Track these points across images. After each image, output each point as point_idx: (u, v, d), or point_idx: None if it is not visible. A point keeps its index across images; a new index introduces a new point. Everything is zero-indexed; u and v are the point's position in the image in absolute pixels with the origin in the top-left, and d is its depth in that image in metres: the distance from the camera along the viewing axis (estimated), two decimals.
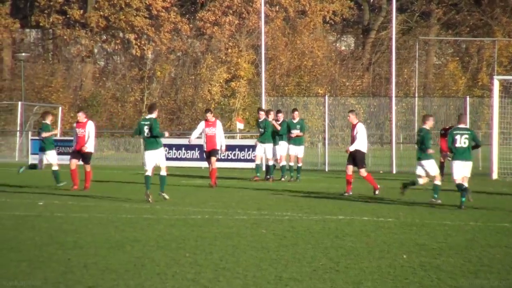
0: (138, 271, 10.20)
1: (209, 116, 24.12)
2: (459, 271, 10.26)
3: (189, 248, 11.97)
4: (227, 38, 58.90)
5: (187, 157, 36.23)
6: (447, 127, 26.99)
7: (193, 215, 16.24)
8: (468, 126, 19.23)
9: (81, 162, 22.79)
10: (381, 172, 32.59)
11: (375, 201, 19.30)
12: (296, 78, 59.82)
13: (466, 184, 18.11)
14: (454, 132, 18.32)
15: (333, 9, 62.34)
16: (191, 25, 59.20)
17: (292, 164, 26.44)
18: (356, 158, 20.67)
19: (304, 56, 60.60)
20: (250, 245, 12.28)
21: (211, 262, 10.76)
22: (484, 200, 20.07)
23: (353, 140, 20.75)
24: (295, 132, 26.42)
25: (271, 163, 26.58)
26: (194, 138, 24.44)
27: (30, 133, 42.60)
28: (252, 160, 35.26)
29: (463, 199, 17.96)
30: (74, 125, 23.02)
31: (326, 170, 33.58)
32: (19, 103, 47.24)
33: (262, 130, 26.42)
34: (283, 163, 26.45)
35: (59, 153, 39.07)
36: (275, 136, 26.50)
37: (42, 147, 23.73)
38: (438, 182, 18.96)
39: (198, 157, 34.74)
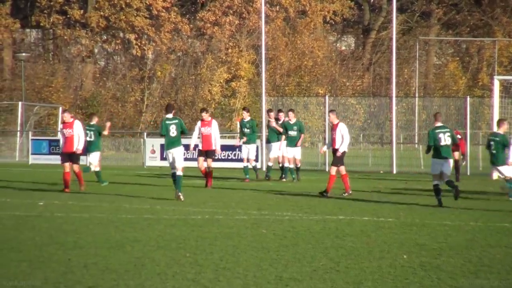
0: (138, 271, 10.20)
1: (205, 115, 24.02)
2: (459, 271, 10.27)
3: (190, 248, 11.97)
4: (228, 38, 58.92)
5: (186, 157, 36.25)
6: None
7: (193, 215, 16.24)
8: (445, 124, 19.40)
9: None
10: (381, 172, 32.60)
11: (375, 202, 19.30)
12: (297, 78, 59.84)
13: (447, 179, 18.26)
14: (437, 131, 18.38)
15: (334, 9, 62.36)
16: (191, 25, 59.22)
17: (291, 165, 26.30)
18: (334, 156, 20.59)
19: (305, 56, 60.61)
20: (250, 245, 12.28)
21: (212, 262, 10.77)
22: (484, 200, 20.07)
23: (333, 140, 20.61)
24: (295, 135, 26.20)
25: (253, 164, 26.43)
26: (194, 141, 24.05)
27: (30, 133, 42.61)
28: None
29: (439, 197, 18.08)
30: (61, 126, 22.58)
31: (327, 170, 33.56)
32: (20, 103, 47.26)
33: (248, 131, 26.27)
34: (286, 164, 26.37)
35: (57, 154, 39.25)
36: (275, 136, 26.47)
37: (87, 148, 24.01)
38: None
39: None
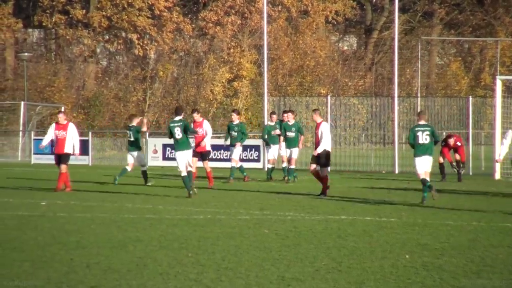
0: (141, 271, 10.21)
1: (196, 116, 23.94)
2: (461, 271, 10.26)
3: (192, 248, 11.97)
4: (230, 38, 58.92)
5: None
6: (444, 138, 27.23)
7: (196, 215, 16.25)
8: (428, 123, 19.59)
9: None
10: (383, 172, 32.58)
11: (377, 201, 19.30)
12: (299, 78, 59.83)
13: (428, 179, 18.50)
14: (416, 129, 18.69)
15: (336, 9, 62.35)
16: (193, 25, 59.23)
17: (284, 165, 26.13)
18: (320, 157, 20.52)
19: (307, 56, 60.61)
20: (252, 245, 12.29)
21: (214, 262, 10.77)
22: (487, 200, 20.06)
23: (317, 139, 20.60)
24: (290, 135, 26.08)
25: (233, 164, 26.26)
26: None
27: (32, 133, 42.63)
28: (255, 160, 35.32)
29: (425, 194, 18.40)
30: (53, 125, 22.25)
31: (329, 170, 33.50)
32: (22, 103, 47.28)
33: (235, 134, 26.06)
34: (284, 164, 26.30)
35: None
36: (276, 139, 26.41)
37: (128, 148, 24.37)
38: None
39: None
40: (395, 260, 10.97)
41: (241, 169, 26.40)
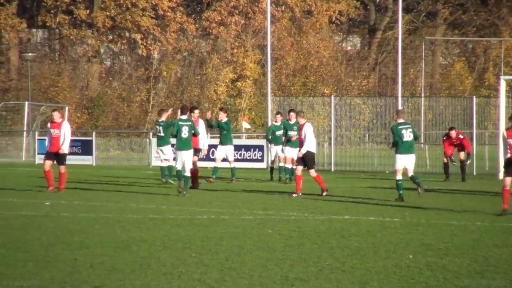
0: (144, 271, 10.21)
1: (192, 114, 23.64)
2: (465, 271, 10.26)
3: (195, 248, 11.98)
4: (233, 38, 58.93)
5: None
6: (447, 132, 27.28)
7: (199, 215, 16.25)
8: (408, 121, 19.95)
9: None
10: (387, 172, 32.56)
11: (381, 201, 19.29)
12: (302, 78, 59.82)
13: (411, 174, 19.06)
14: (400, 127, 19.13)
15: (339, 9, 62.32)
16: (197, 25, 59.24)
17: (289, 166, 26.03)
18: (305, 159, 20.51)
19: (310, 56, 60.60)
20: (256, 245, 12.29)
21: (217, 262, 10.78)
22: (491, 200, 20.04)
23: (301, 140, 20.62)
24: (293, 135, 26.02)
25: (232, 165, 25.87)
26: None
27: (37, 133, 42.67)
28: (258, 161, 35.31)
29: (401, 192, 18.93)
30: (48, 125, 22.16)
31: (332, 170, 33.57)
32: (26, 103, 47.34)
33: (225, 132, 25.91)
34: (281, 163, 26.21)
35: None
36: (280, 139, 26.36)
37: (158, 143, 24.70)
38: None
39: (204, 156, 34.71)
40: (398, 260, 10.96)
41: (215, 170, 25.71)
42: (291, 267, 10.46)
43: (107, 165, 38.36)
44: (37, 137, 41.56)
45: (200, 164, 25.15)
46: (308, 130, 20.45)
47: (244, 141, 38.03)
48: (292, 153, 25.80)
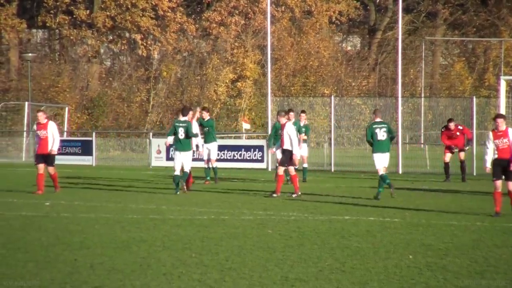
0: (144, 271, 10.21)
1: (188, 115, 23.52)
2: (465, 271, 10.26)
3: (195, 248, 11.98)
4: (233, 39, 58.92)
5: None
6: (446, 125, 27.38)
7: (199, 216, 16.25)
8: (383, 120, 20.36)
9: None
10: (387, 172, 32.53)
11: (381, 202, 19.28)
12: (302, 78, 59.81)
13: (385, 174, 19.56)
14: (374, 126, 19.62)
15: (339, 10, 62.31)
16: (197, 26, 59.24)
17: (305, 165, 26.01)
18: (285, 157, 20.49)
19: (310, 56, 60.58)
20: (256, 245, 12.29)
21: (217, 263, 10.78)
22: (491, 200, 20.02)
23: (282, 139, 20.60)
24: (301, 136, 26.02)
25: (214, 165, 25.51)
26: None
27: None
28: (258, 161, 35.29)
29: (381, 189, 19.40)
30: (34, 127, 22.02)
31: (332, 170, 33.56)
32: (26, 103, 47.34)
33: (207, 129, 25.73)
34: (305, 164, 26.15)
35: (63, 154, 39.28)
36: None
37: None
38: None
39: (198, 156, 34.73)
40: (398, 261, 10.96)
41: (206, 171, 25.55)
42: (291, 267, 10.46)
43: (107, 166, 38.36)
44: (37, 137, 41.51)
45: (196, 164, 25.15)
46: (291, 130, 20.47)
47: (244, 141, 38.02)
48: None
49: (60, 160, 37.65)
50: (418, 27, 65.66)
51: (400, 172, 32.27)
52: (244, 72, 57.63)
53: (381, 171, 19.60)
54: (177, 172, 20.72)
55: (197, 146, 23.74)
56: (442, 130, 27.21)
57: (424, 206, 18.23)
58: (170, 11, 57.89)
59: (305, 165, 26.31)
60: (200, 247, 12.11)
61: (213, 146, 25.68)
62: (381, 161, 19.73)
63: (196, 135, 22.37)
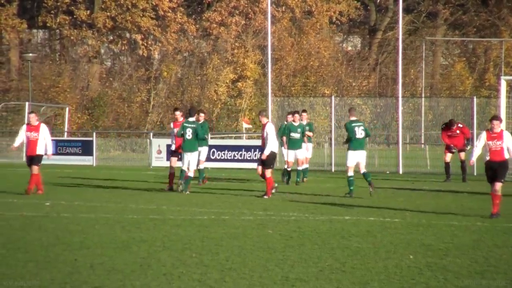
0: (144, 271, 10.21)
1: (178, 115, 23.51)
2: (465, 271, 10.25)
3: (195, 248, 11.97)
4: (234, 39, 58.92)
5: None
6: (447, 121, 27.47)
7: (199, 216, 16.25)
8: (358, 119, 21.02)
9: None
10: (387, 172, 32.55)
11: (381, 202, 19.28)
12: (303, 78, 59.81)
13: (364, 170, 20.06)
14: (352, 124, 20.17)
15: (340, 10, 62.31)
16: (197, 26, 59.25)
17: (298, 167, 25.86)
18: (268, 159, 20.42)
19: (311, 56, 60.58)
20: (256, 245, 12.28)
21: (218, 263, 10.77)
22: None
23: (263, 140, 20.57)
24: (308, 134, 25.98)
25: (202, 166, 25.17)
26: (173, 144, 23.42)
27: None
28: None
29: (352, 188, 19.90)
30: (24, 127, 21.63)
31: (333, 170, 33.56)
32: (27, 103, 47.31)
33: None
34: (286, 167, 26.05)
35: (64, 154, 39.29)
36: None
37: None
38: None
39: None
40: (399, 261, 10.96)
41: (200, 173, 25.43)
42: (291, 267, 10.46)
43: (108, 166, 38.36)
44: None
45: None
46: (270, 130, 20.42)
47: (244, 142, 38.01)
48: (293, 155, 25.58)
49: (60, 160, 37.87)
50: (419, 27, 65.66)
51: (401, 172, 32.27)
52: (245, 72, 57.64)
53: (352, 169, 20.02)
54: (185, 168, 21.14)
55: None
56: (443, 127, 27.27)
57: (425, 206, 18.22)
58: (170, 11, 57.89)
59: (306, 166, 26.21)
60: (200, 247, 12.10)
61: (204, 149, 25.60)
62: (356, 159, 20.04)
63: (203, 138, 22.27)
